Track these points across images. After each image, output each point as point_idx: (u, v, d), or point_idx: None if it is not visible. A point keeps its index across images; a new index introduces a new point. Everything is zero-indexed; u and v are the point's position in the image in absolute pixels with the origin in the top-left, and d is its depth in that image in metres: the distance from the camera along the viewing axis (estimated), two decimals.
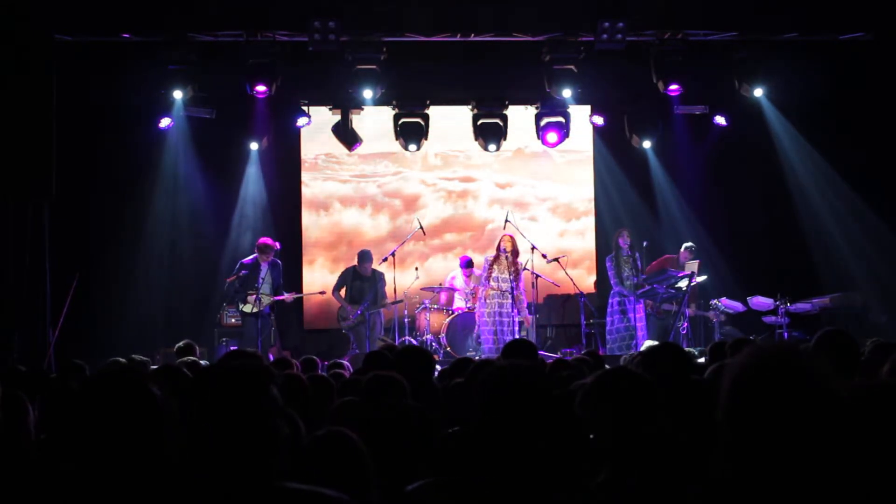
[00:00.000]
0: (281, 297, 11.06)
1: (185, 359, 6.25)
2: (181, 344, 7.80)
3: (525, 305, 11.14)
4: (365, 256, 11.58)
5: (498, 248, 11.09)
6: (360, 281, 11.51)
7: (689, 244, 11.63)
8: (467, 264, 11.88)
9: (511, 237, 11.15)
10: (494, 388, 2.50)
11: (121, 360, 6.35)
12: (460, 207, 13.19)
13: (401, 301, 11.48)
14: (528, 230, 12.10)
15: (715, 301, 11.30)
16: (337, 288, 11.65)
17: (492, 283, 10.96)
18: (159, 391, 2.20)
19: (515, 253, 11.08)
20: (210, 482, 2.02)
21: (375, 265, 11.66)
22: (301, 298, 12.22)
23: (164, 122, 11.46)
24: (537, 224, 13.07)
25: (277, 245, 11.16)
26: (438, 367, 6.23)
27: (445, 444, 3.47)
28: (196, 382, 2.15)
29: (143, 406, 2.17)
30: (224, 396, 2.05)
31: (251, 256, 11.14)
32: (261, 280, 10.93)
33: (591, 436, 2.83)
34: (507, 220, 11.58)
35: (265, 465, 2.05)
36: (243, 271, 10.96)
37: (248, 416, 2.05)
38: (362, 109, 12.20)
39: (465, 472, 2.49)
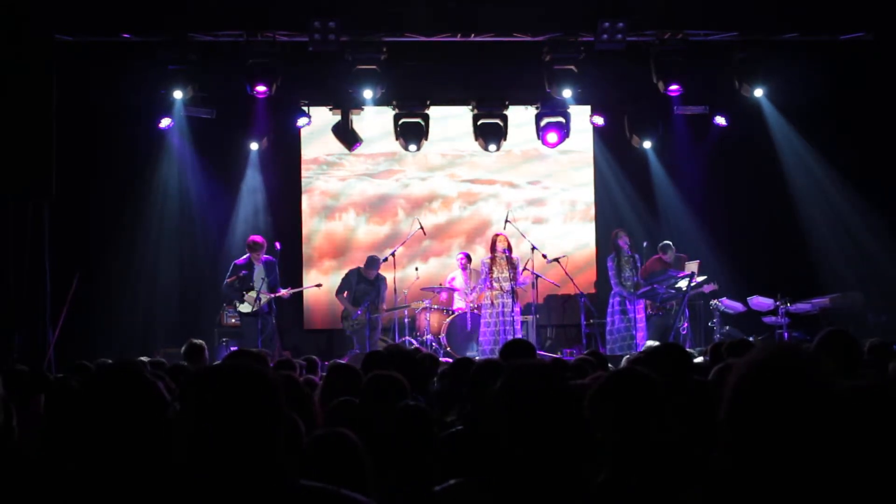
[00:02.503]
0: (278, 294, 11.02)
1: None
2: (188, 345, 7.30)
3: (521, 280, 11.10)
4: (373, 263, 11.55)
5: (493, 249, 11.09)
6: (364, 284, 11.52)
7: (665, 242, 11.61)
8: (466, 258, 11.93)
9: (504, 236, 11.18)
10: (525, 386, 2.47)
11: (108, 361, 6.30)
12: (460, 207, 13.19)
13: (405, 307, 11.50)
14: (528, 230, 12.11)
15: (715, 301, 11.29)
16: (340, 290, 11.64)
17: (494, 284, 10.97)
18: (162, 386, 2.19)
19: (510, 249, 11.10)
20: (227, 481, 2.01)
21: None
22: (301, 295, 12.23)
23: (164, 122, 11.47)
24: (537, 224, 13.07)
25: (278, 245, 11.14)
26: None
27: (447, 444, 3.47)
28: (201, 382, 2.14)
29: (147, 402, 2.17)
30: (232, 397, 2.05)
31: (244, 256, 11.11)
32: (256, 278, 10.88)
33: (599, 435, 2.81)
34: (507, 220, 11.59)
35: (279, 464, 2.06)
36: (243, 271, 10.93)
37: (257, 415, 2.04)
38: (362, 109, 12.20)
39: (473, 470, 2.47)
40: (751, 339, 9.14)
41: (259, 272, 10.91)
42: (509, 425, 2.44)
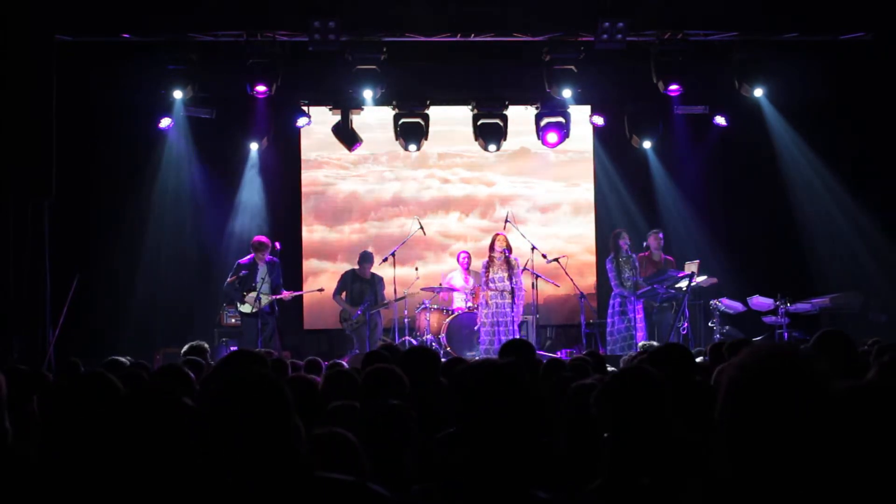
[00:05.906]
0: (280, 296, 11.02)
1: (188, 357, 6.21)
2: (190, 347, 7.22)
3: (521, 304, 11.09)
4: (365, 258, 11.59)
5: (492, 250, 11.08)
6: (360, 283, 11.51)
7: (655, 230, 11.63)
8: (468, 257, 11.92)
9: (503, 236, 11.16)
10: (469, 386, 2.44)
11: (120, 358, 6.32)
12: (460, 207, 13.18)
13: (402, 298, 11.46)
14: (527, 230, 12.10)
15: (715, 301, 11.29)
16: (337, 292, 11.64)
17: (490, 284, 10.96)
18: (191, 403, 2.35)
19: (509, 250, 11.09)
20: (248, 476, 2.12)
21: (376, 265, 11.67)
22: (301, 297, 12.21)
23: (164, 122, 11.48)
24: (537, 224, 13.06)
25: (278, 245, 11.14)
26: None
27: (442, 445, 3.47)
28: (218, 388, 2.25)
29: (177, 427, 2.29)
30: (245, 400, 2.21)
31: (248, 256, 11.12)
32: (259, 279, 10.88)
33: (605, 435, 2.79)
34: (506, 220, 11.59)
35: (296, 458, 2.19)
36: (243, 271, 10.92)
37: (270, 416, 2.19)
38: (362, 109, 12.20)
39: (453, 473, 2.45)
40: (752, 339, 9.12)
41: (262, 272, 10.92)
42: (458, 424, 2.44)
